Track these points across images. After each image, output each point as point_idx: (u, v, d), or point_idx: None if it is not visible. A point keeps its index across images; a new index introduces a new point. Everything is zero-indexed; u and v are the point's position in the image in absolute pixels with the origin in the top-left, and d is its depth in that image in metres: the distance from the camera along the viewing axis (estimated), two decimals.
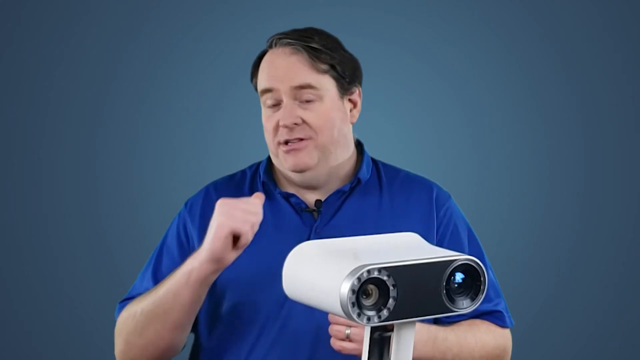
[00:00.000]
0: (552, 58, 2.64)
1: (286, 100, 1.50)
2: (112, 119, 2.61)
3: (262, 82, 1.53)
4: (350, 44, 1.58)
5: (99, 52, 2.59)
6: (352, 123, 1.58)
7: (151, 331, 1.45)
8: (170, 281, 1.43)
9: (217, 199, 1.57)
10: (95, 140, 2.61)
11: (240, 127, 2.57)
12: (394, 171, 1.62)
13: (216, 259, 1.37)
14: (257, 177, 1.60)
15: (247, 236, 1.36)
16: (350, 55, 1.57)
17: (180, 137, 2.62)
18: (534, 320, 2.62)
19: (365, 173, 1.57)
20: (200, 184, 1.64)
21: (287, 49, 1.52)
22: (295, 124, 1.49)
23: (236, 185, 1.61)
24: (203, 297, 1.43)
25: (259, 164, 1.63)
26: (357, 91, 1.58)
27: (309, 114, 1.50)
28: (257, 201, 1.39)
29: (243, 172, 1.63)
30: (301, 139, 1.50)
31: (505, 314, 1.58)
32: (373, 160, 1.63)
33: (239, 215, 1.35)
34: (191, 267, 1.39)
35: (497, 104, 2.65)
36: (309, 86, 1.50)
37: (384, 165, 1.63)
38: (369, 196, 1.57)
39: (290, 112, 1.49)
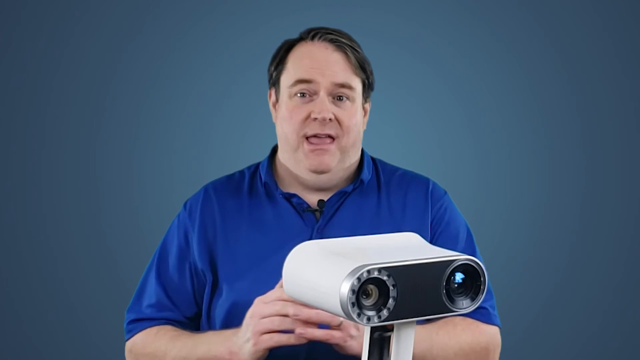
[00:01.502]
0: (552, 58, 2.64)
1: (322, 94, 1.50)
2: (112, 119, 2.61)
3: (300, 72, 1.51)
4: None
5: (99, 52, 2.59)
6: (362, 129, 1.59)
7: None
8: (201, 349, 1.44)
9: (216, 200, 1.58)
10: (95, 140, 2.61)
11: (240, 127, 2.57)
12: (391, 170, 1.63)
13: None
14: (257, 178, 1.60)
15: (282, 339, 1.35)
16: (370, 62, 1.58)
17: (180, 137, 2.62)
18: (534, 320, 2.62)
19: (367, 174, 1.58)
20: (200, 184, 1.64)
21: (330, 45, 1.52)
22: (330, 119, 1.49)
23: (235, 185, 1.60)
24: None
25: (257, 164, 1.63)
26: (369, 101, 1.60)
27: (342, 112, 1.51)
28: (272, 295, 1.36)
29: (241, 172, 1.63)
30: (329, 138, 1.50)
31: (491, 311, 1.54)
32: (372, 159, 1.63)
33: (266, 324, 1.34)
34: (228, 350, 1.40)
35: (497, 104, 2.65)
36: (348, 86, 1.51)
37: (382, 163, 1.64)
38: (367, 196, 1.57)
39: (327, 107, 1.49)
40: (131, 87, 2.60)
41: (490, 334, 1.53)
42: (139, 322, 1.55)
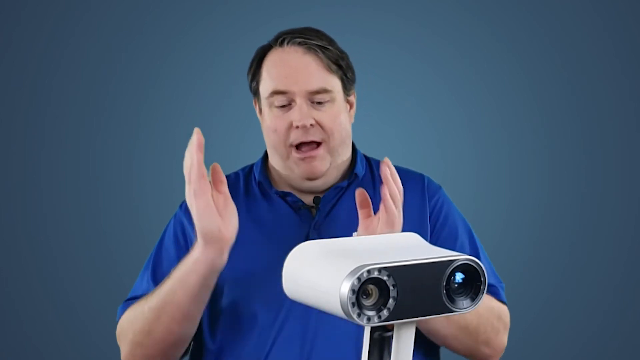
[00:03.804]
0: (552, 58, 2.64)
1: (300, 101, 1.48)
2: (112, 119, 2.61)
3: (274, 83, 1.50)
4: (350, 44, 1.58)
5: (99, 52, 2.59)
6: (350, 123, 1.58)
7: (160, 327, 1.43)
8: (176, 273, 1.41)
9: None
10: (95, 140, 2.61)
11: (240, 127, 2.57)
12: None
13: (209, 236, 1.35)
14: (252, 177, 1.60)
15: (208, 197, 1.37)
16: (347, 54, 1.57)
17: (180, 137, 2.61)
18: (534, 320, 2.62)
19: (360, 169, 1.58)
20: None
21: (300, 48, 1.50)
22: (311, 125, 1.48)
23: (231, 186, 1.60)
24: (211, 284, 1.40)
25: (251, 165, 1.63)
26: (354, 93, 1.58)
27: (322, 115, 1.49)
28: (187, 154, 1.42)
29: (236, 173, 1.63)
30: (315, 144, 1.49)
31: (500, 290, 1.54)
32: (365, 157, 1.63)
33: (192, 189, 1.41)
34: (195, 255, 1.37)
35: (497, 104, 2.65)
36: (324, 90, 1.49)
37: (376, 161, 1.64)
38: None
39: (305, 113, 1.48)
40: (131, 87, 2.60)
41: (501, 308, 1.53)
42: (127, 302, 1.53)
